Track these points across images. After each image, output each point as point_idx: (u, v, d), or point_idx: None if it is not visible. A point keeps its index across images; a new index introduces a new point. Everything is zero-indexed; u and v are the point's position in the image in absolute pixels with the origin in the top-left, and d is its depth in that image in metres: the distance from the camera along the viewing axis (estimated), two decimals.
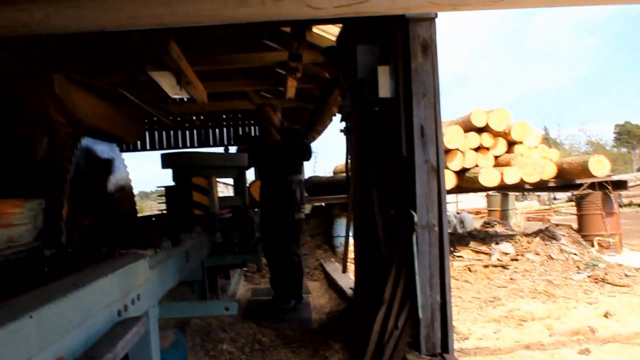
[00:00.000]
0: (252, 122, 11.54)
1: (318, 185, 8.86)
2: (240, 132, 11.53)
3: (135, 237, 2.78)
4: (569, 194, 17.94)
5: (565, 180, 8.55)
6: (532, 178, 8.05)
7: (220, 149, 5.59)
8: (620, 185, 8.86)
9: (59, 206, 2.64)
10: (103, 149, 3.31)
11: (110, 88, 4.00)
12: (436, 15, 2.90)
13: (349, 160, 4.23)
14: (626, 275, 6.54)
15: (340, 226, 8.50)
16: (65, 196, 2.67)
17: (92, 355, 1.45)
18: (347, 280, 5.67)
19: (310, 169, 38.56)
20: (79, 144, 2.90)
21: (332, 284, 6.12)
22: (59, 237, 2.58)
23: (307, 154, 5.11)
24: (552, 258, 7.30)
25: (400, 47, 2.96)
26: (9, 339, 1.10)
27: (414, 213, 2.86)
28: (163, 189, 4.49)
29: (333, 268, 6.91)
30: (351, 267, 4.82)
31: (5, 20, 2.61)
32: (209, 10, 2.52)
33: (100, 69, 6.03)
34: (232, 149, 4.90)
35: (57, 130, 2.79)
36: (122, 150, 3.91)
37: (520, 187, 8.58)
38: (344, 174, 9.03)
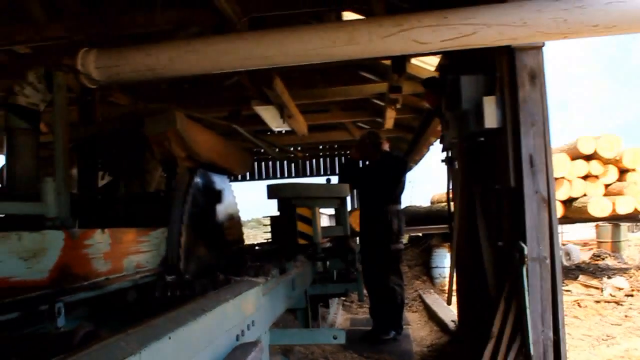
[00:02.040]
0: (348, 153, 11.71)
1: (415, 215, 8.77)
2: (344, 161, 11.75)
3: (246, 265, 2.91)
4: None
5: None
6: None
7: (318, 179, 5.74)
8: None
9: (178, 235, 2.81)
10: (216, 181, 3.50)
11: (226, 123, 4.26)
12: (544, 44, 2.84)
13: (451, 190, 4.18)
14: None
15: (439, 257, 8.34)
16: (184, 225, 2.85)
17: None
18: (449, 312, 5.55)
19: (407, 199, 38.13)
20: (195, 176, 3.09)
21: (432, 316, 6.00)
22: (177, 264, 2.74)
23: (397, 187, 5.23)
24: None
25: (507, 77, 2.93)
26: (153, 357, 1.20)
27: (523, 245, 2.78)
28: (266, 218, 4.66)
29: (433, 299, 6.78)
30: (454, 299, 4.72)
31: (135, 66, 2.88)
32: (319, 49, 2.64)
33: (208, 104, 6.43)
34: (333, 180, 5.01)
35: (177, 164, 3.00)
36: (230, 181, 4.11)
37: (634, 218, 8.04)
38: (442, 204, 8.91)
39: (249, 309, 2.11)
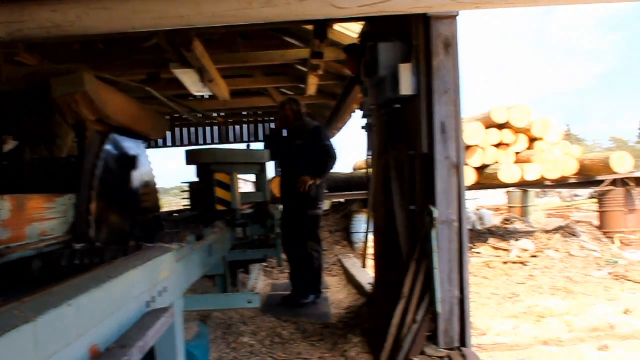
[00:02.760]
0: (273, 119, 11.64)
1: (337, 182, 8.89)
2: (268, 131, 11.64)
3: (161, 232, 2.85)
4: (590, 190, 17.73)
5: (587, 176, 8.46)
6: (553, 174, 7.98)
7: (241, 146, 5.66)
8: None
9: (88, 201, 2.71)
10: (129, 146, 3.39)
11: (136, 85, 4.09)
12: (458, 14, 2.92)
13: (370, 157, 4.26)
14: None
15: (359, 222, 8.53)
16: (94, 192, 2.75)
17: (124, 343, 1.51)
18: (366, 275, 5.71)
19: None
20: (107, 141, 2.98)
21: (350, 280, 6.16)
22: (87, 231, 2.65)
23: (331, 161, 5.08)
24: (572, 255, 7.26)
25: (423, 45, 2.99)
26: (51, 325, 1.16)
27: (433, 209, 2.89)
28: (185, 185, 4.59)
29: (352, 264, 6.94)
30: (370, 262, 4.86)
31: (40, 22, 2.70)
32: (235, 11, 2.58)
33: (124, 67, 6.16)
34: (254, 146, 4.97)
35: (86, 127, 2.87)
36: (146, 147, 3.99)
37: (540, 184, 8.51)
38: (364, 171, 9.08)
39: (160, 276, 2.08)
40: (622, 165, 8.00)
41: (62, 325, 1.22)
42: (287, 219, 5.20)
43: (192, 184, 4.35)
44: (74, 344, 1.27)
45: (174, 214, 4.45)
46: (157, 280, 2.03)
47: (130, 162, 3.39)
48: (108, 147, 3.02)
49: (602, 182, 8.43)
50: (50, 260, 2.25)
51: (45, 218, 2.34)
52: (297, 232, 5.17)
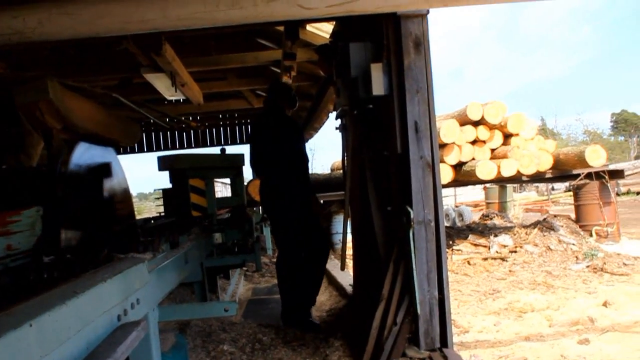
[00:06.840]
0: (249, 120, 11.58)
1: (315, 183, 8.86)
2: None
3: (134, 241, 2.79)
4: (567, 184, 18.02)
5: (562, 170, 8.57)
6: (529, 170, 8.06)
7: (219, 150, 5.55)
8: (617, 174, 8.91)
9: (56, 212, 2.63)
10: (99, 153, 3.30)
11: (104, 92, 4.01)
12: (428, 12, 2.91)
13: (345, 158, 4.23)
14: (625, 264, 6.57)
15: (339, 223, 8.51)
16: (63, 202, 2.67)
17: None
18: (347, 277, 5.68)
19: (310, 167, 38.56)
20: (75, 149, 2.90)
21: (331, 281, 6.13)
22: (57, 243, 2.57)
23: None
24: (550, 249, 7.33)
25: (393, 44, 2.97)
26: (10, 347, 1.11)
27: (410, 209, 2.87)
28: (161, 191, 4.51)
29: (332, 265, 6.90)
30: (350, 263, 4.82)
31: (0, 29, 2.61)
32: (201, 13, 2.53)
33: (95, 73, 6.05)
34: (229, 149, 4.88)
35: (52, 136, 2.79)
36: (118, 153, 3.91)
37: (517, 179, 8.59)
38: (341, 171, 9.07)
39: (132, 287, 2.02)
40: (596, 159, 8.10)
41: (23, 347, 1.17)
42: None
43: (165, 190, 4.28)
44: None
45: (151, 221, 4.38)
46: (129, 292, 1.98)
47: (100, 169, 3.31)
48: (76, 155, 2.94)
49: (577, 175, 8.53)
50: (17, 275, 2.18)
51: (10, 232, 2.27)
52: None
